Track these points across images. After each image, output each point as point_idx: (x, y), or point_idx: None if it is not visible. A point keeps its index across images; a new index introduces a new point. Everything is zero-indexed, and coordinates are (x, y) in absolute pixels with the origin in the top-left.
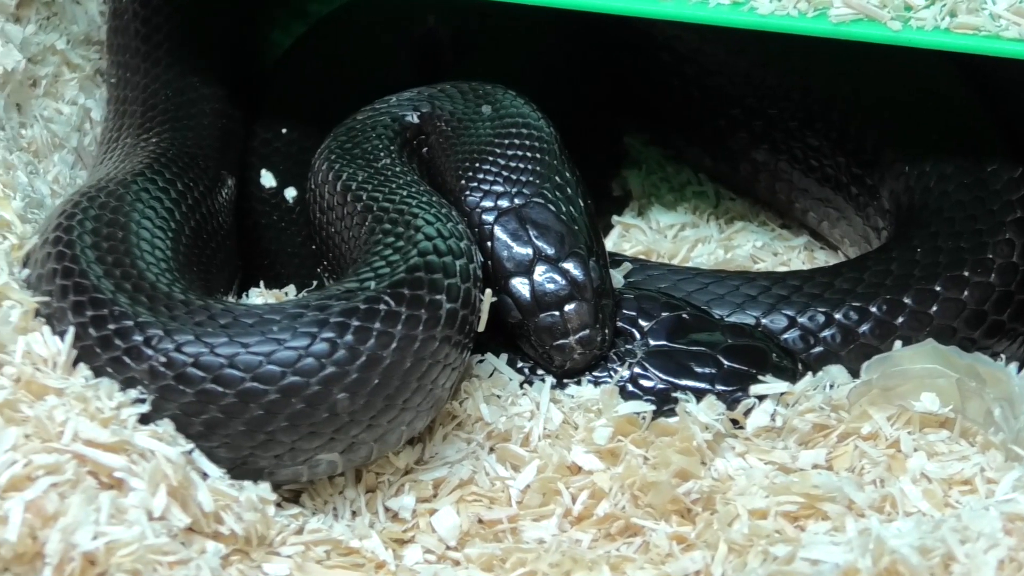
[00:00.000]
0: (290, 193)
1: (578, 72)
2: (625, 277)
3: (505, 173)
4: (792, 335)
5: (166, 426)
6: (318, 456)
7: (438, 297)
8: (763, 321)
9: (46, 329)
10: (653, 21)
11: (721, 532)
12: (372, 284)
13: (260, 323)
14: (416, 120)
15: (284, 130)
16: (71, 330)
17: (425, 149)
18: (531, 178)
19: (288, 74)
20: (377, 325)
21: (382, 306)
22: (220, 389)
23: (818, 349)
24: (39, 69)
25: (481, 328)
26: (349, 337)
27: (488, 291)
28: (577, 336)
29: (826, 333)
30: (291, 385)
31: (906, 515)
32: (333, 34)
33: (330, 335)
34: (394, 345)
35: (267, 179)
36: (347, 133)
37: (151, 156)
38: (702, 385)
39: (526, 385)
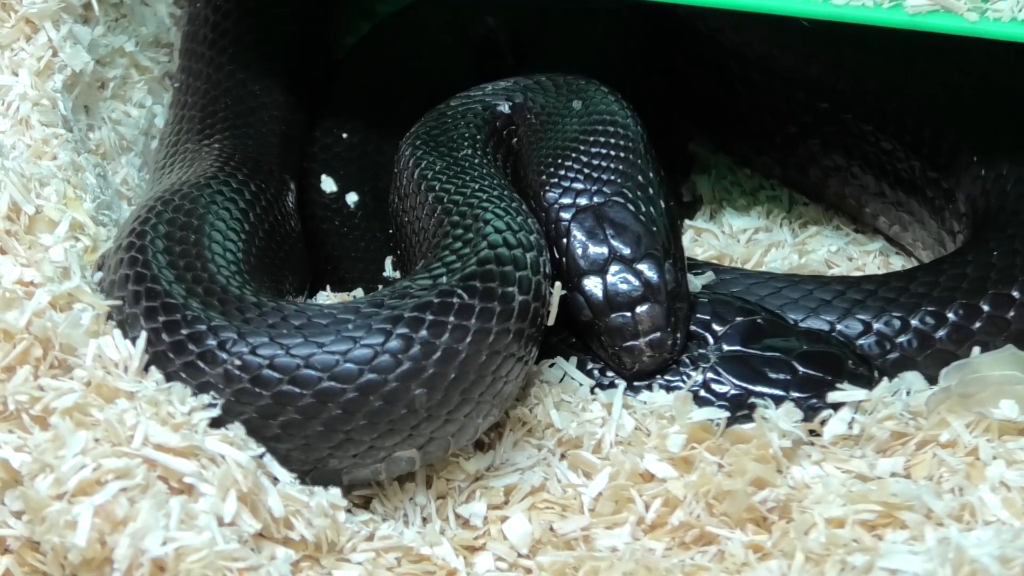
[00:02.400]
0: (351, 198)
1: (642, 77)
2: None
3: (587, 171)
4: (868, 340)
5: (237, 430)
6: (396, 454)
7: (510, 289)
8: (838, 326)
9: (117, 333)
10: (720, 27)
11: (798, 541)
12: (444, 278)
13: (335, 322)
14: (507, 110)
15: (344, 135)
16: (143, 334)
17: (515, 140)
18: (613, 176)
19: (347, 78)
20: (452, 319)
21: (455, 300)
22: (297, 390)
23: (894, 355)
24: (107, 71)
25: (551, 322)
26: (424, 332)
27: (558, 284)
28: (647, 339)
29: (902, 339)
30: (369, 383)
31: (985, 524)
32: (391, 38)
33: (405, 331)
34: (469, 338)
35: (328, 184)
36: (437, 119)
37: (219, 161)
38: (776, 391)
39: (597, 390)
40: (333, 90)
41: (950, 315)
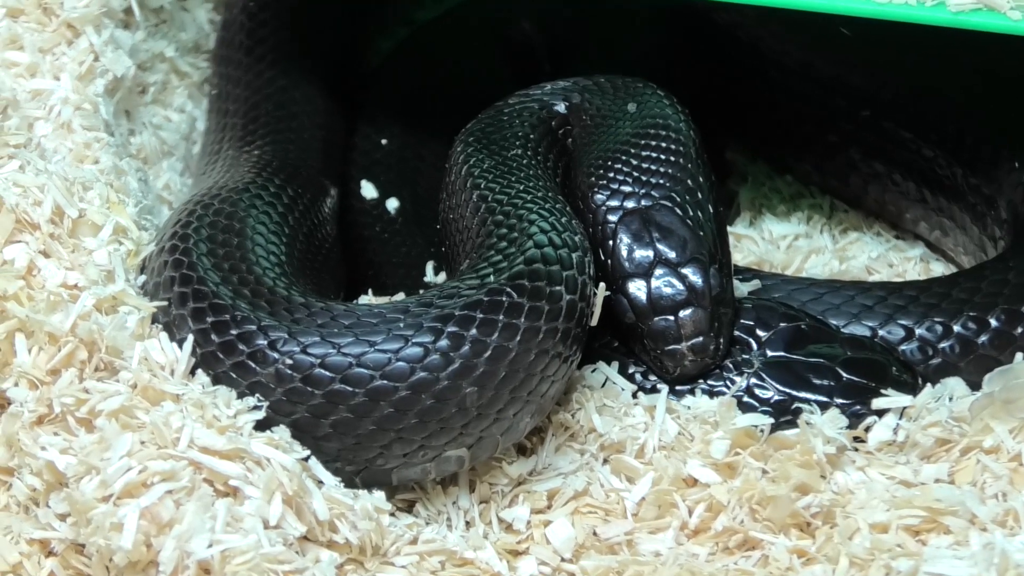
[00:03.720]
0: (392, 204)
1: (679, 84)
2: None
3: (636, 174)
4: (910, 346)
5: (282, 433)
6: (447, 452)
7: (558, 288)
8: (880, 332)
9: (163, 336)
10: (760, 36)
11: (842, 546)
12: (492, 277)
13: (385, 321)
14: (564, 110)
15: (383, 141)
16: (190, 337)
17: (569, 140)
18: (662, 180)
19: (386, 84)
20: (502, 317)
21: (505, 298)
22: (349, 389)
23: (936, 360)
24: (148, 76)
25: (594, 322)
26: (475, 330)
27: (602, 284)
28: (690, 343)
29: (944, 344)
30: (421, 381)
31: None
32: (429, 44)
33: (456, 329)
34: (519, 337)
35: (368, 190)
36: (493, 116)
37: (257, 166)
38: (820, 397)
39: (640, 394)
40: (372, 96)
41: (992, 321)
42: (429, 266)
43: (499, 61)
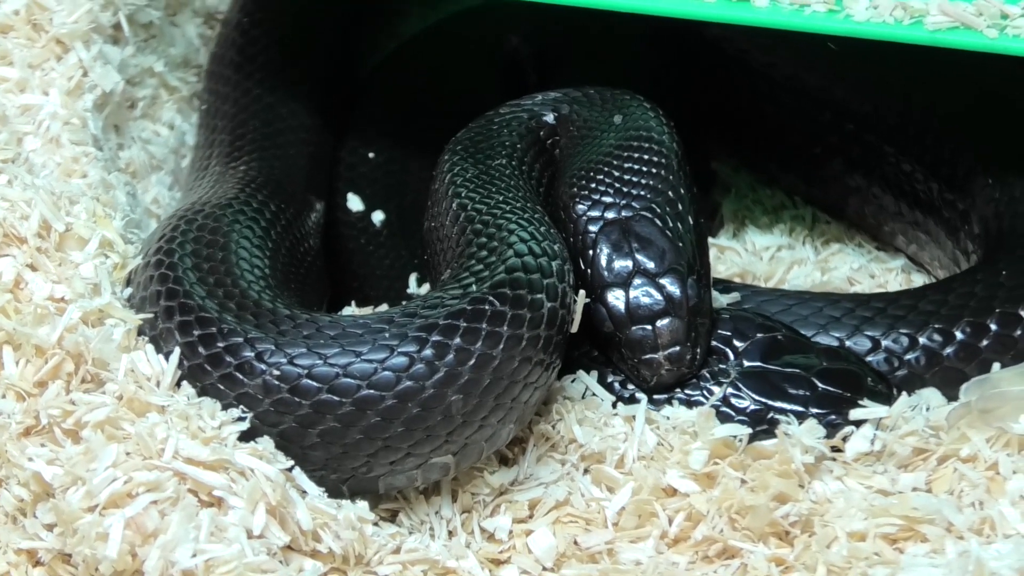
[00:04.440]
0: (377, 217)
1: (665, 96)
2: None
3: (617, 185)
4: (876, 358)
5: (266, 444)
6: (433, 460)
7: (539, 296)
8: (847, 343)
9: (150, 348)
10: (747, 49)
11: (820, 554)
12: (474, 286)
13: (370, 332)
14: (552, 121)
15: (370, 154)
16: (177, 350)
17: (557, 151)
18: (643, 192)
19: (373, 98)
20: (485, 325)
21: (487, 307)
22: (336, 398)
23: (902, 372)
24: (137, 91)
25: (574, 329)
26: (459, 339)
27: (582, 292)
28: (667, 352)
29: (910, 356)
30: (407, 390)
31: (1005, 537)
32: (417, 57)
33: (440, 338)
34: (502, 344)
35: (354, 203)
36: (482, 126)
37: (242, 182)
38: (796, 407)
39: (619, 405)
40: (359, 110)
41: (958, 333)
42: (412, 278)
43: (487, 75)
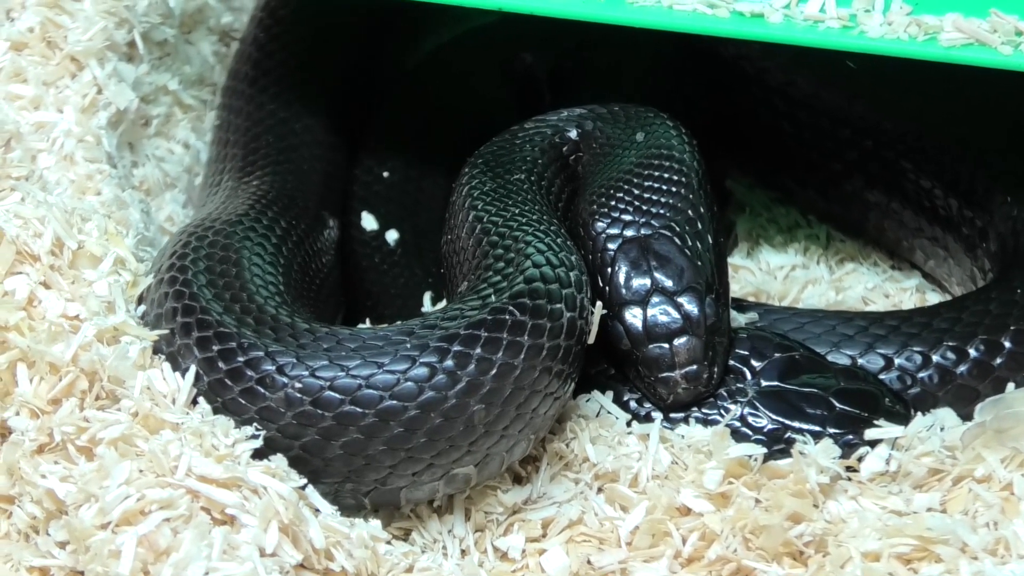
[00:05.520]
0: (391, 235)
1: (679, 113)
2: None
3: (637, 203)
4: (889, 375)
5: (279, 462)
6: (455, 471)
7: (558, 306)
8: (859, 361)
9: (166, 366)
10: (767, 68)
11: (834, 574)
12: (493, 297)
13: (391, 343)
14: (575, 137)
15: (384, 173)
16: (193, 368)
17: (579, 167)
18: (662, 210)
19: (387, 116)
20: (505, 335)
21: (507, 316)
22: (359, 410)
23: (915, 390)
24: (151, 109)
25: (592, 340)
26: (480, 349)
27: (599, 304)
28: (683, 371)
29: (923, 374)
30: (429, 400)
31: (1019, 558)
32: (431, 75)
33: (461, 348)
34: (523, 354)
35: (368, 221)
36: (505, 140)
37: (253, 197)
38: (813, 427)
39: (634, 423)
40: (374, 128)
41: (971, 351)
42: (427, 296)
43: (501, 93)
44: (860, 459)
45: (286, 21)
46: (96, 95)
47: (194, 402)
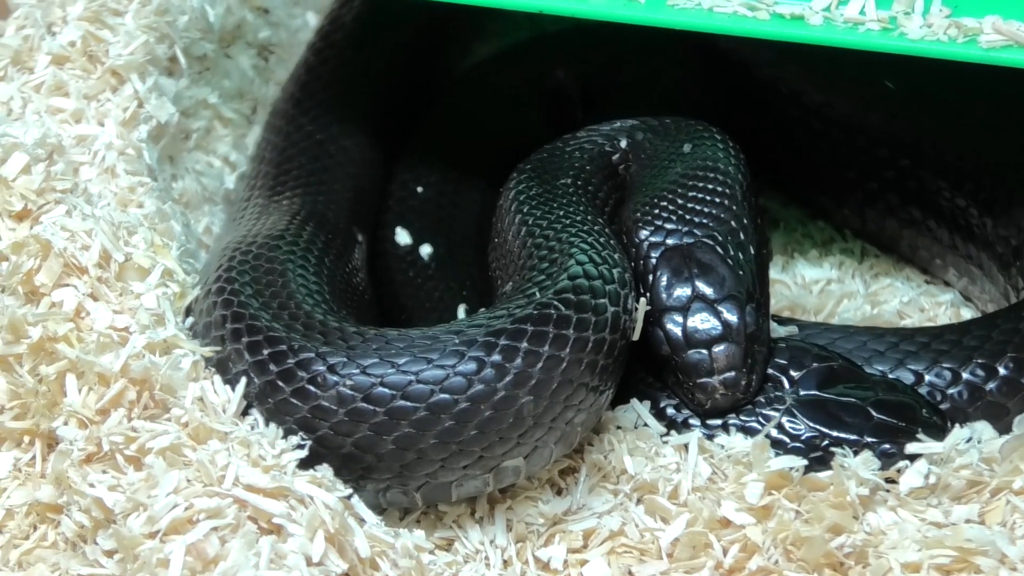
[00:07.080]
0: (425, 250)
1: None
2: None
3: (681, 212)
4: (919, 391)
5: (325, 472)
6: (505, 463)
7: (602, 301)
8: (890, 376)
9: (217, 378)
10: (803, 89)
11: None
12: (538, 294)
13: (439, 341)
14: (625, 146)
15: (419, 188)
16: (243, 380)
17: (627, 176)
18: (706, 220)
19: (423, 133)
20: (551, 329)
21: (553, 311)
22: (411, 404)
23: (945, 406)
24: (191, 122)
25: (636, 336)
26: (526, 343)
27: (643, 300)
28: (722, 377)
29: (953, 390)
30: (479, 393)
31: None
32: (466, 93)
33: (508, 342)
34: (569, 347)
35: (402, 236)
36: (555, 147)
37: (287, 214)
38: (851, 436)
39: (672, 433)
40: (410, 145)
41: (1001, 368)
42: (461, 309)
43: (535, 109)
44: (899, 472)
45: (337, 45)
46: (137, 108)
47: (245, 413)
